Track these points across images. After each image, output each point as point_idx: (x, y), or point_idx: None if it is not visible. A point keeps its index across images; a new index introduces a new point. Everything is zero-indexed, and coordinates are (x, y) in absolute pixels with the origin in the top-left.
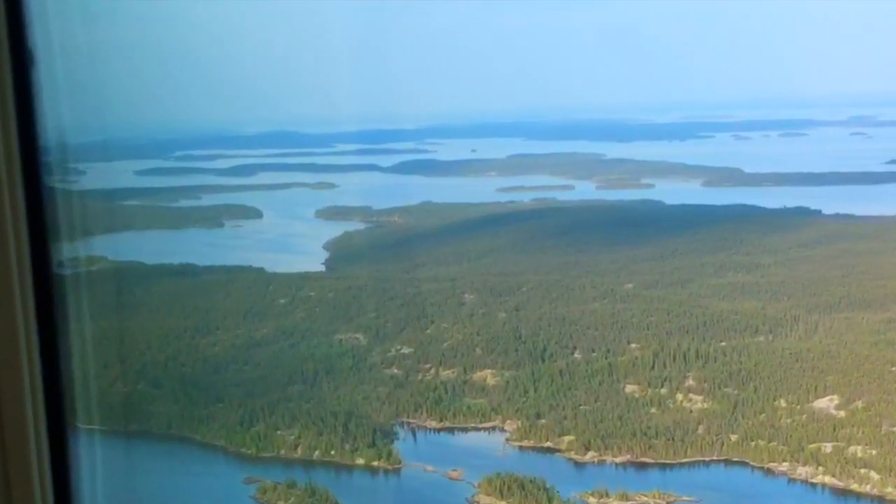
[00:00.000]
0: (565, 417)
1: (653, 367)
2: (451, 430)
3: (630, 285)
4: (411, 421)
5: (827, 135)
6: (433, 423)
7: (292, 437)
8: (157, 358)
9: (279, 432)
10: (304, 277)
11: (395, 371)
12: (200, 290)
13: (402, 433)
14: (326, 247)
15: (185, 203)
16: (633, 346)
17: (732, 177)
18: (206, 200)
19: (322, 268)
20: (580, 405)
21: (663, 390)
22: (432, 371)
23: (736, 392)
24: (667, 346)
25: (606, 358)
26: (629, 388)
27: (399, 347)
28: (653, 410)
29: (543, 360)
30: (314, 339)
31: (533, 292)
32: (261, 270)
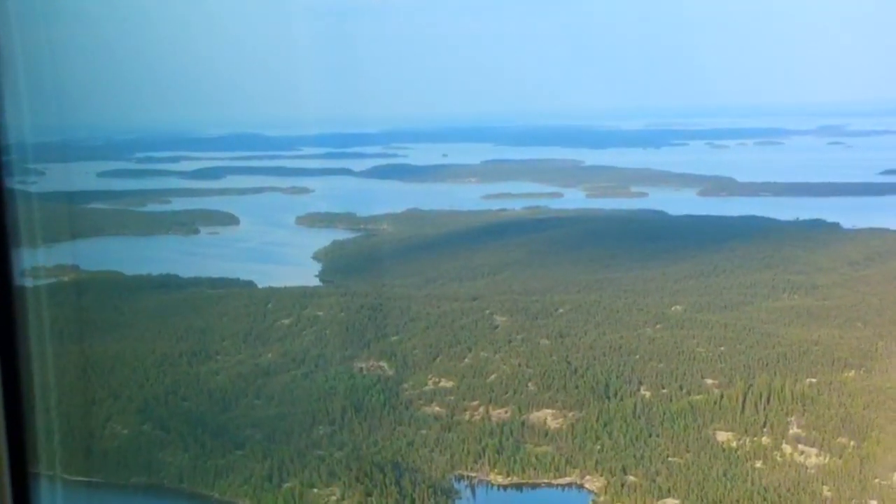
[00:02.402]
0: (657, 473)
1: (742, 409)
2: (519, 485)
3: (679, 307)
4: (472, 474)
5: (802, 143)
6: (499, 478)
7: (334, 499)
8: (156, 391)
9: (316, 490)
10: (306, 293)
11: (437, 409)
12: (189, 306)
13: (463, 490)
14: (316, 257)
15: (154, 208)
16: (709, 381)
17: (727, 186)
18: (177, 205)
19: (316, 281)
20: (668, 456)
21: (765, 439)
22: (481, 410)
23: (854, 443)
24: (749, 383)
25: (680, 396)
26: (721, 436)
27: (436, 380)
28: (758, 465)
29: (608, 398)
30: (330, 368)
31: (573, 315)
32: (250, 284)
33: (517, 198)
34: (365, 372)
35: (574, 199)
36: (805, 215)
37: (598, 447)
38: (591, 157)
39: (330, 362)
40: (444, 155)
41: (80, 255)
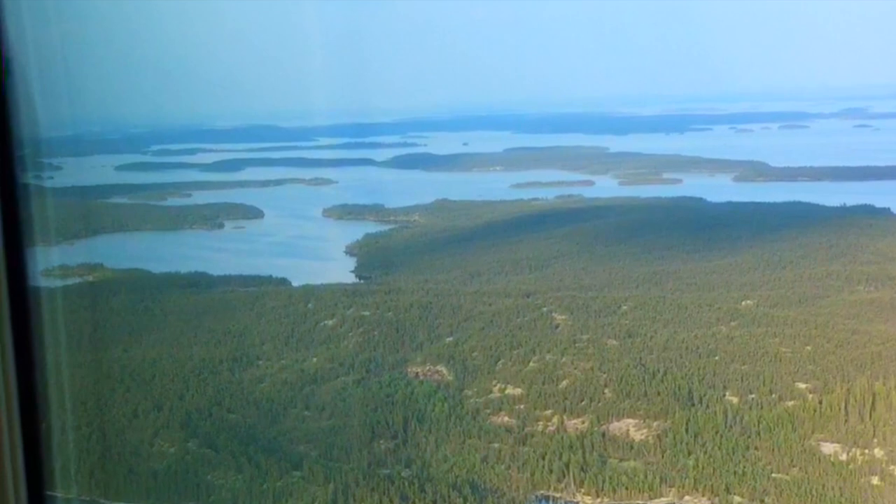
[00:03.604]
0: (765, 492)
1: (846, 418)
2: None
3: (750, 302)
4: (556, 495)
5: (827, 127)
6: (587, 499)
7: None
8: (199, 402)
9: None
10: (347, 291)
11: (506, 419)
12: (223, 306)
13: None
14: (349, 251)
15: (175, 202)
16: (802, 385)
17: (762, 171)
18: (198, 198)
19: (353, 277)
20: (772, 472)
21: (877, 451)
22: (555, 420)
23: None
24: (846, 386)
25: (772, 402)
26: (827, 448)
27: (502, 386)
28: (875, 481)
29: (692, 405)
30: (383, 374)
31: (638, 312)
32: (284, 281)
33: (547, 186)
34: (422, 378)
35: (607, 187)
36: (851, 201)
37: (692, 462)
38: (614, 143)
39: (382, 367)
40: (465, 144)
41: (103, 253)
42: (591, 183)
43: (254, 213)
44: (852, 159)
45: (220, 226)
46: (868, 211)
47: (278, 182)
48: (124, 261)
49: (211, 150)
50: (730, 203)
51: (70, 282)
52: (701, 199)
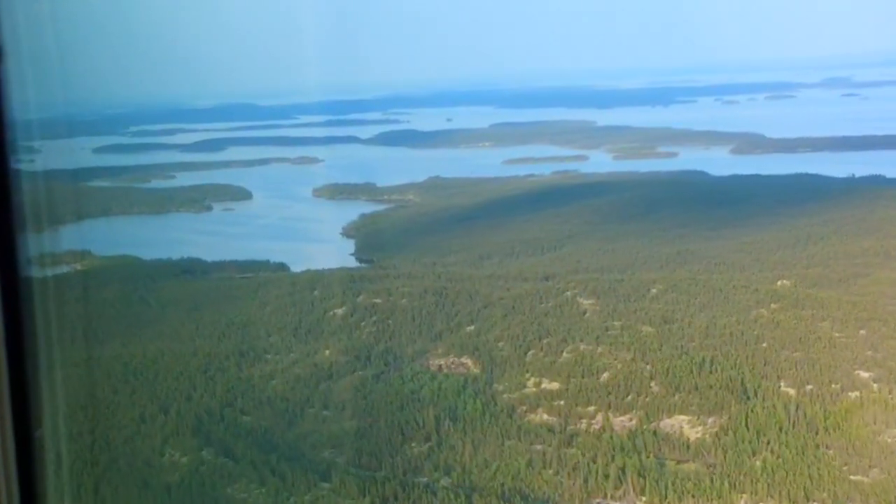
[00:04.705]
0: (848, 497)
1: None
2: None
3: (786, 282)
4: None
5: (813, 97)
6: None
7: None
8: (209, 403)
9: None
10: (353, 277)
11: (546, 417)
12: (223, 295)
13: None
14: (346, 233)
15: (159, 184)
16: (864, 374)
17: (759, 143)
18: (182, 179)
19: (353, 260)
20: (849, 474)
21: None
22: (599, 417)
23: None
24: None
25: (833, 393)
26: None
27: (537, 380)
28: None
29: (747, 398)
30: (404, 367)
31: (670, 295)
32: (283, 266)
33: (541, 162)
34: (445, 370)
35: (601, 162)
36: (858, 171)
37: (759, 463)
38: (599, 117)
39: (401, 360)
40: (449, 119)
41: (89, 239)
42: (584, 158)
43: (242, 195)
44: (848, 129)
45: (208, 208)
46: (880, 182)
47: (263, 162)
48: (112, 247)
49: (190, 131)
50: (735, 176)
51: (58, 271)
52: (703, 172)
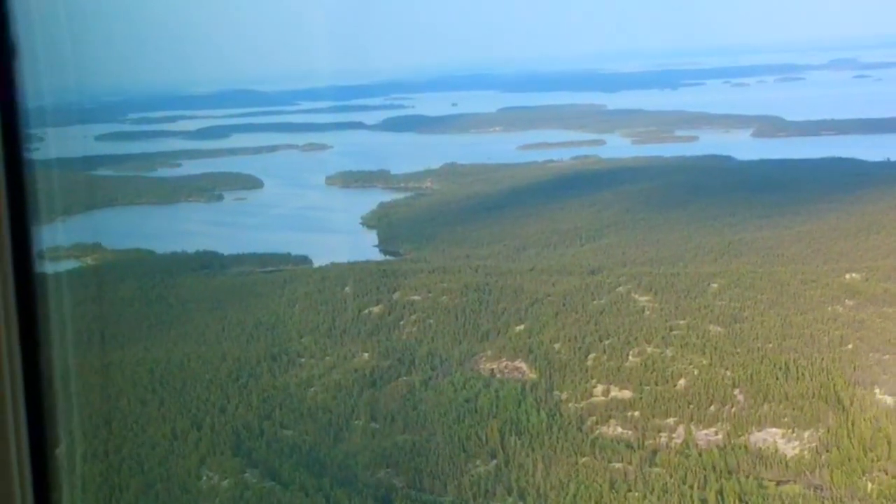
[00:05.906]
0: None
1: None
2: None
3: (856, 275)
4: None
5: (823, 78)
6: None
7: None
8: (245, 416)
9: None
10: (386, 272)
11: (619, 430)
12: (246, 292)
13: None
14: (366, 223)
15: (165, 172)
16: None
17: (780, 126)
18: (189, 168)
19: (377, 252)
20: None
21: None
22: (680, 430)
23: None
24: None
25: None
26: None
27: (604, 387)
28: None
29: (842, 408)
30: (453, 371)
31: (733, 291)
32: (305, 259)
33: (557, 147)
34: (499, 376)
35: (620, 146)
36: (893, 155)
37: (874, 486)
38: (608, 100)
39: (449, 363)
40: (454, 104)
41: (98, 230)
42: (602, 142)
43: (252, 183)
44: (869, 111)
45: (219, 197)
46: None
47: (271, 149)
48: (123, 239)
49: (192, 117)
50: (765, 161)
51: (69, 265)
52: (729, 157)
